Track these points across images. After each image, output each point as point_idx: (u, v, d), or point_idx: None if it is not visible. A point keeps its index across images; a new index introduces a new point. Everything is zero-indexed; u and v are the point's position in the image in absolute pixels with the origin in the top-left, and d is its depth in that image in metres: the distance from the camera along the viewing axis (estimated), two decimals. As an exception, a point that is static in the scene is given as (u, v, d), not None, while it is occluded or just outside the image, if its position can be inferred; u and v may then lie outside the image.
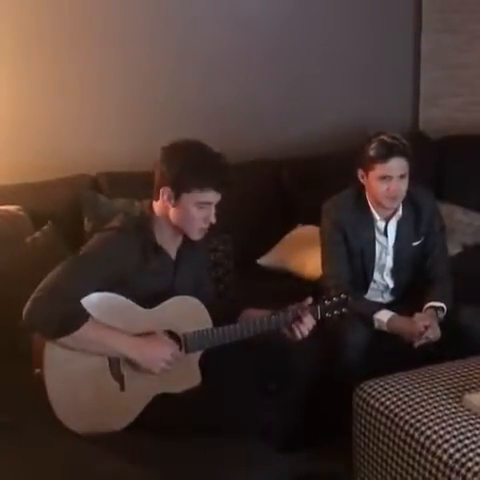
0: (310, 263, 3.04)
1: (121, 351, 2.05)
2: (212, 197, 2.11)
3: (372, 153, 2.57)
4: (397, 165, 2.56)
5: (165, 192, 2.12)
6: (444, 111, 4.00)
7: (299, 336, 2.21)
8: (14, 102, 3.10)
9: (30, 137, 3.14)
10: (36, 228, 2.78)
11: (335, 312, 2.28)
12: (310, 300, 2.24)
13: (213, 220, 2.14)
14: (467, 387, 2.22)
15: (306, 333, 2.21)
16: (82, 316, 1.98)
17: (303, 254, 3.12)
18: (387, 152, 2.55)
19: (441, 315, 2.62)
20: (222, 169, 2.12)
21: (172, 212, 2.13)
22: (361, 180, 2.67)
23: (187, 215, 2.12)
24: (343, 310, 2.29)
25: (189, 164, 2.09)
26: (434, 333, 2.54)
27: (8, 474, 1.88)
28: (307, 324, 2.21)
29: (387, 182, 2.58)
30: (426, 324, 2.53)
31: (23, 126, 3.13)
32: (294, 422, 2.50)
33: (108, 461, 1.91)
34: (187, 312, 2.18)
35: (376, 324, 2.60)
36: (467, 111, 3.94)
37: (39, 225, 2.79)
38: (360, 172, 2.66)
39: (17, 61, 3.09)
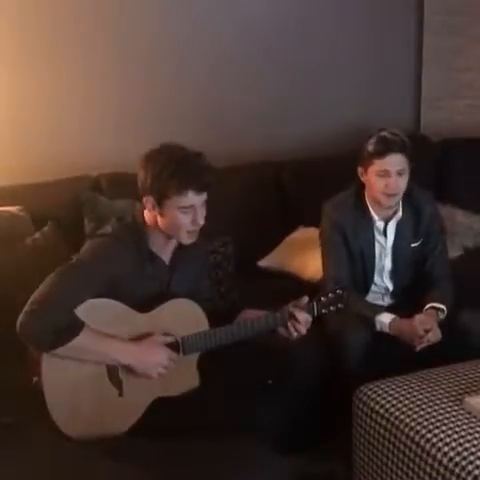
0: (311, 265, 3.03)
1: (117, 358, 2.04)
2: (193, 199, 2.08)
3: (371, 148, 2.59)
4: (395, 160, 2.57)
5: (148, 201, 2.10)
6: (446, 114, 4.00)
7: (295, 334, 2.21)
8: (16, 104, 3.10)
9: (31, 138, 3.14)
10: (37, 229, 2.78)
11: (331, 308, 2.27)
12: (306, 299, 2.23)
13: (201, 222, 2.11)
14: (468, 390, 2.21)
15: (303, 331, 2.21)
16: (76, 326, 1.96)
17: (304, 256, 3.12)
18: (385, 147, 2.57)
19: (441, 316, 2.62)
20: (198, 169, 2.08)
21: (159, 220, 2.11)
22: (361, 178, 2.68)
23: (173, 221, 2.09)
24: (339, 305, 2.28)
25: (163, 170, 2.05)
26: (435, 335, 2.54)
27: (9, 475, 1.88)
28: (303, 322, 2.20)
29: (385, 178, 2.59)
30: (427, 328, 2.53)
31: (24, 127, 3.13)
32: (294, 423, 2.49)
33: (108, 463, 1.91)
34: (184, 315, 2.18)
35: (378, 326, 2.60)
36: (469, 114, 3.93)
37: (40, 226, 2.80)
38: (360, 170, 2.67)
39: (19, 62, 3.09)
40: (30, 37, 3.09)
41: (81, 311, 1.99)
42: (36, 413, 2.05)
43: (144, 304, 2.11)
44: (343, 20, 3.81)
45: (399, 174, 2.59)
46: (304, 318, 2.20)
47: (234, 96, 3.58)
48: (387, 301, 2.83)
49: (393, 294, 2.82)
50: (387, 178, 2.59)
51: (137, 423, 2.09)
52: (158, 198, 2.08)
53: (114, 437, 2.04)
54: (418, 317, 2.57)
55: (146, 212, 2.15)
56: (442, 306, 2.62)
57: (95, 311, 2.02)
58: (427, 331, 2.52)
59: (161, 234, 2.15)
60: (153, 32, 3.36)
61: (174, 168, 2.05)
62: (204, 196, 2.10)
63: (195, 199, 2.08)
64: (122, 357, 2.04)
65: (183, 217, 2.09)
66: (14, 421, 2.08)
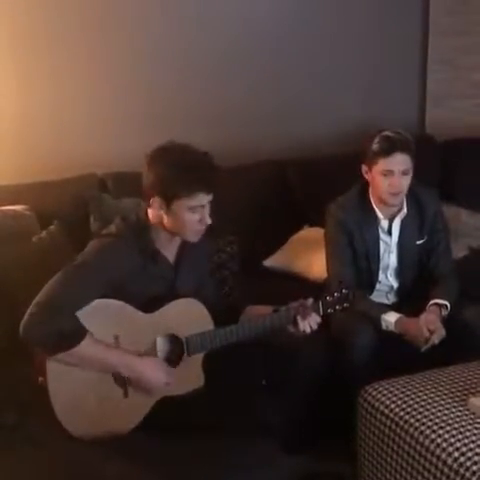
0: (316, 265, 3.03)
1: (117, 370, 2.04)
2: (203, 199, 2.08)
3: (375, 148, 2.59)
4: (399, 160, 2.58)
5: (155, 202, 2.08)
6: (451, 113, 3.99)
7: (302, 330, 2.20)
8: (22, 103, 3.10)
9: (37, 137, 3.15)
10: (42, 227, 2.78)
11: (337, 307, 2.28)
12: (310, 301, 2.24)
13: (208, 221, 2.11)
14: (472, 390, 2.21)
15: (308, 329, 2.21)
16: (80, 333, 1.96)
17: (309, 256, 3.12)
18: (390, 147, 2.57)
19: (444, 313, 2.63)
20: (207, 169, 2.08)
21: (166, 219, 2.10)
22: (365, 176, 2.69)
23: (181, 221, 2.09)
24: (345, 305, 2.28)
25: (173, 171, 2.04)
26: (438, 334, 2.54)
27: (11, 474, 1.89)
28: (311, 321, 2.20)
29: (389, 177, 2.59)
30: (431, 328, 2.53)
31: (30, 126, 3.13)
32: (299, 423, 2.49)
33: (111, 462, 1.91)
34: (189, 314, 2.17)
35: (383, 325, 2.60)
36: (474, 113, 3.92)
37: (45, 224, 2.80)
38: (364, 168, 2.67)
39: (26, 61, 3.09)
40: (36, 36, 3.09)
41: (86, 312, 1.99)
42: (38, 412, 2.05)
43: (149, 304, 2.11)
44: (348, 19, 3.80)
45: (403, 173, 2.60)
46: (314, 317, 2.21)
47: (239, 95, 3.58)
48: (391, 299, 2.84)
49: (397, 292, 2.83)
50: (391, 177, 2.59)
51: (140, 422, 2.09)
52: (167, 199, 2.07)
53: (117, 436, 2.04)
54: (423, 316, 2.58)
55: (150, 211, 2.13)
56: (445, 302, 2.63)
57: (100, 311, 2.02)
58: (432, 332, 2.53)
59: (165, 232, 2.15)
60: (157, 32, 3.35)
61: (184, 169, 2.04)
62: (211, 196, 2.11)
63: (205, 199, 2.09)
64: (122, 369, 2.03)
65: (192, 217, 2.08)
66: (15, 420, 2.08)
